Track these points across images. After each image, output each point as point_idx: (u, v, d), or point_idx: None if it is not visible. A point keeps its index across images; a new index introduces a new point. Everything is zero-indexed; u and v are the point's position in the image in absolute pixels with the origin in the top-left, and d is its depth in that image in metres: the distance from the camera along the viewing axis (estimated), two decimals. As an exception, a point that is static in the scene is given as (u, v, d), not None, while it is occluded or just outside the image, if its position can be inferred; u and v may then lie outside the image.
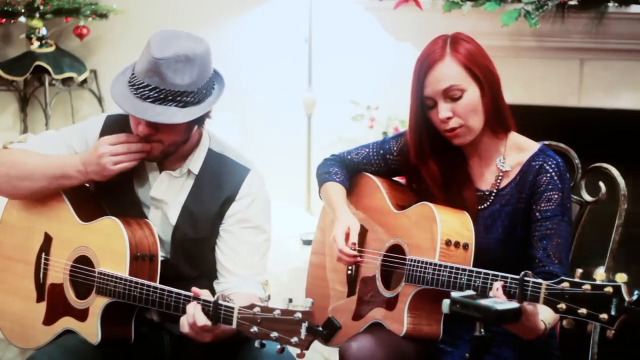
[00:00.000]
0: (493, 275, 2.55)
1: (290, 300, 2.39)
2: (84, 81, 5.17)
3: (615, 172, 2.91)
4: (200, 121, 2.76)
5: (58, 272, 2.84)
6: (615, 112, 4.26)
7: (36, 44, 5.07)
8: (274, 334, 2.39)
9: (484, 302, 2.24)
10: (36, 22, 4.98)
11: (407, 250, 2.77)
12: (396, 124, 4.68)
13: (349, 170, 2.98)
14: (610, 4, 4.00)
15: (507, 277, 2.51)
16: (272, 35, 5.03)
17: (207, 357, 2.83)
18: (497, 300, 2.30)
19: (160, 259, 2.78)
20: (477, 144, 2.78)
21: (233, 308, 2.46)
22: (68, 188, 2.85)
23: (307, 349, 2.38)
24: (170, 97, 2.65)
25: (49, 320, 2.83)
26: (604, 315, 2.24)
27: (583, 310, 2.27)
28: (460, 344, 2.74)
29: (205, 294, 2.58)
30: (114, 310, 2.73)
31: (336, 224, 2.82)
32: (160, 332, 2.88)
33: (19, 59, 5.13)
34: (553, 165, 2.71)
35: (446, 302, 2.27)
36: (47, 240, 2.89)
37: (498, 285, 2.50)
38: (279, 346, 2.42)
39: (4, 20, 4.99)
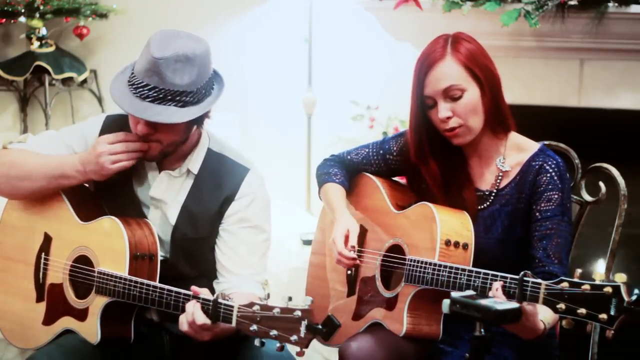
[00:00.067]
0: (492, 275, 2.55)
1: (290, 299, 2.39)
2: (84, 81, 5.17)
3: (615, 172, 2.91)
4: (199, 121, 2.76)
5: (58, 272, 2.84)
6: (615, 112, 4.27)
7: (36, 44, 5.07)
8: (274, 332, 2.38)
9: (484, 302, 2.24)
10: (36, 22, 4.98)
11: (406, 250, 2.77)
12: (396, 124, 4.68)
13: (348, 171, 2.98)
14: (610, 4, 4.00)
15: (506, 277, 2.51)
16: (272, 35, 5.03)
17: (206, 356, 2.83)
18: (497, 300, 2.30)
19: (160, 258, 2.78)
20: (477, 144, 2.78)
21: (232, 306, 2.46)
22: (67, 188, 2.85)
23: (306, 347, 2.38)
24: (169, 97, 2.65)
25: (49, 320, 2.83)
26: (603, 316, 2.24)
27: (582, 311, 2.27)
28: (460, 344, 2.74)
29: (204, 293, 2.58)
30: (113, 310, 2.73)
31: (335, 225, 2.82)
32: (160, 331, 2.88)
33: (19, 59, 5.13)
34: (553, 165, 2.71)
35: (446, 302, 2.27)
36: (47, 240, 2.89)
37: (497, 285, 2.50)
38: (278, 344, 2.41)
39: (4, 20, 4.98)
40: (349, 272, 2.93)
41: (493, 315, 2.22)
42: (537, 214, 2.70)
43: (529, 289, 2.41)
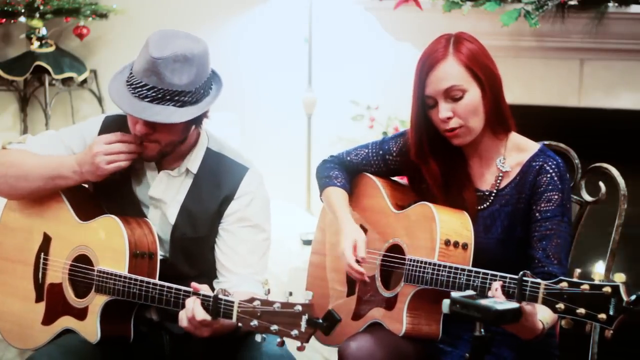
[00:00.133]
0: (492, 275, 2.55)
1: (291, 294, 2.39)
2: (84, 81, 5.17)
3: (615, 172, 2.91)
4: (197, 121, 2.76)
5: (57, 272, 2.84)
6: (615, 112, 4.27)
7: (36, 44, 5.07)
8: (274, 327, 2.39)
9: (484, 302, 2.24)
10: (36, 22, 4.98)
11: (406, 250, 2.77)
12: (396, 124, 4.68)
13: (348, 172, 2.98)
14: (610, 4, 4.00)
15: (505, 277, 2.51)
16: (272, 35, 5.03)
17: (206, 356, 2.83)
18: (497, 300, 2.30)
19: (160, 258, 2.78)
20: (478, 144, 2.78)
21: (233, 302, 2.46)
22: (65, 188, 2.85)
23: (307, 341, 2.38)
24: (168, 97, 2.65)
25: (48, 320, 2.83)
26: (603, 315, 2.24)
27: (581, 310, 2.27)
28: (459, 344, 2.74)
29: (204, 289, 2.58)
30: (113, 309, 2.73)
31: (341, 236, 2.82)
32: (159, 331, 2.88)
33: (19, 59, 5.13)
34: (553, 166, 2.71)
35: (446, 302, 2.27)
36: (46, 240, 2.89)
37: (497, 285, 2.50)
38: (279, 339, 2.41)
39: (4, 20, 4.99)
40: (349, 272, 2.93)
41: (493, 315, 2.22)
42: (537, 214, 2.70)
43: (528, 288, 2.41)
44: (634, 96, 4.23)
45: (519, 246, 2.73)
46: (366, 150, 2.97)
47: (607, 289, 2.24)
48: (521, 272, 2.43)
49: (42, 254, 2.88)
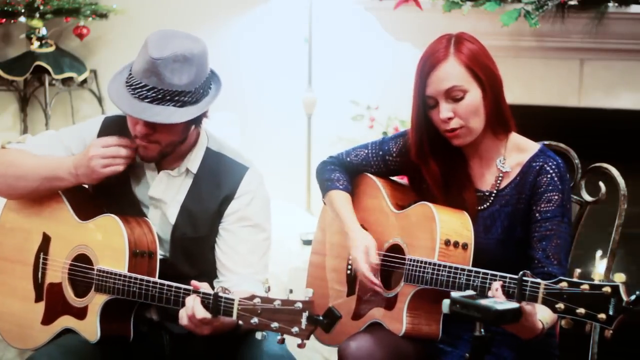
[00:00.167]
0: (492, 275, 2.55)
1: (291, 291, 2.40)
2: (84, 81, 5.17)
3: (615, 172, 2.91)
4: (197, 121, 2.76)
5: (56, 272, 2.84)
6: (615, 112, 4.27)
7: (36, 44, 5.07)
8: (275, 325, 2.39)
9: (484, 302, 2.24)
10: (36, 22, 4.98)
11: (406, 250, 2.77)
12: (396, 124, 4.68)
13: (349, 173, 2.98)
14: (610, 4, 4.00)
15: (505, 277, 2.51)
16: (272, 35, 5.03)
17: (207, 356, 2.83)
18: (497, 300, 2.29)
19: (160, 257, 2.79)
20: (478, 144, 2.78)
21: (233, 300, 2.47)
22: (61, 189, 2.85)
23: (307, 338, 2.38)
24: (168, 97, 2.65)
25: (48, 319, 2.83)
26: (602, 315, 2.24)
27: (581, 310, 2.27)
28: (459, 344, 2.74)
29: (204, 287, 2.58)
30: (113, 308, 2.73)
31: (351, 243, 2.82)
32: (160, 331, 2.88)
33: (19, 59, 5.12)
34: (553, 166, 2.71)
35: (446, 302, 2.27)
36: (46, 240, 2.88)
37: (497, 285, 2.50)
38: (279, 337, 2.41)
39: (4, 20, 4.98)
40: (349, 271, 2.93)
41: (493, 315, 2.22)
42: (537, 214, 2.70)
43: (528, 288, 2.41)
44: (634, 96, 4.23)
45: (519, 246, 2.73)
46: (366, 151, 2.96)
47: (607, 289, 2.24)
48: (521, 272, 2.43)
49: (42, 253, 2.88)
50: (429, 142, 2.78)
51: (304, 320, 2.36)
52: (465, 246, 2.69)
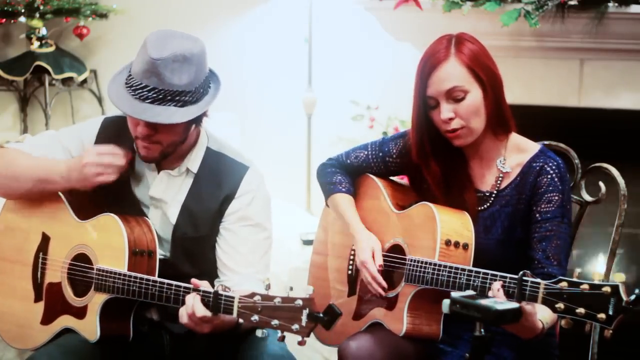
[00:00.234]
0: (492, 275, 2.55)
1: (291, 289, 2.40)
2: (84, 81, 5.17)
3: (615, 172, 2.91)
4: (197, 120, 2.76)
5: (56, 271, 2.84)
6: (615, 112, 4.27)
7: (36, 44, 5.07)
8: (275, 322, 2.39)
9: (484, 302, 2.24)
10: (36, 22, 4.98)
11: (407, 250, 2.77)
12: (396, 124, 4.68)
13: (349, 174, 2.98)
14: (610, 4, 4.00)
15: (505, 277, 2.51)
16: (272, 35, 5.03)
17: (207, 356, 2.83)
18: (497, 300, 2.29)
19: (160, 257, 2.79)
20: (478, 145, 2.78)
21: (233, 297, 2.47)
22: (54, 192, 2.84)
23: (308, 335, 2.38)
24: (169, 97, 2.65)
25: (47, 319, 2.83)
26: (602, 315, 2.24)
27: (581, 310, 2.27)
28: (460, 344, 2.74)
29: (204, 285, 2.58)
30: (112, 307, 2.73)
31: (357, 244, 2.82)
32: (160, 331, 2.88)
33: (19, 59, 5.12)
34: (554, 167, 2.71)
35: (446, 302, 2.27)
36: (45, 240, 2.88)
37: (498, 285, 2.50)
38: (279, 334, 2.41)
39: (4, 20, 4.98)
40: (350, 271, 2.93)
41: (493, 315, 2.22)
42: (537, 215, 2.70)
43: (528, 288, 2.41)
44: (634, 96, 4.23)
45: (519, 247, 2.73)
46: (366, 152, 2.96)
47: (607, 289, 2.24)
48: (521, 272, 2.43)
49: (41, 253, 2.88)
50: (430, 142, 2.78)
51: (304, 318, 2.36)
52: (465, 246, 2.69)
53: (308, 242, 4.32)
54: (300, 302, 2.37)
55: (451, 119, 2.70)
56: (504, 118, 2.76)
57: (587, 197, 2.96)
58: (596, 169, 2.95)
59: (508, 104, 2.78)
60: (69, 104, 5.30)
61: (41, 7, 4.92)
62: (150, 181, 2.85)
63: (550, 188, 2.70)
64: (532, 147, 2.78)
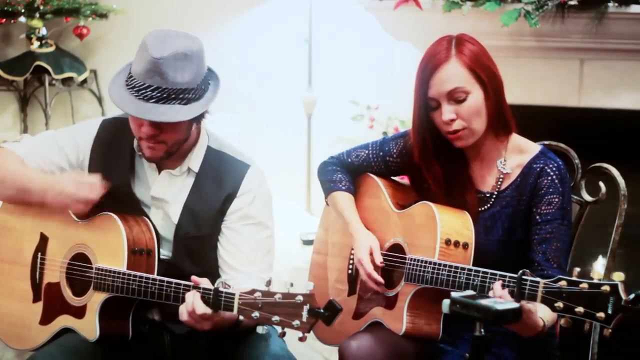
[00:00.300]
0: (492, 274, 2.55)
1: (292, 285, 2.40)
2: (84, 81, 5.17)
3: (615, 172, 2.91)
4: (199, 118, 2.77)
5: (55, 271, 2.84)
6: (615, 112, 4.27)
7: (36, 44, 5.07)
8: (276, 318, 2.39)
9: (484, 302, 2.24)
10: (36, 22, 4.98)
11: (407, 249, 2.77)
12: (396, 124, 4.68)
13: (350, 173, 2.98)
14: (610, 4, 4.00)
15: (505, 276, 2.51)
16: (272, 35, 5.03)
17: (207, 356, 2.83)
18: (498, 300, 2.29)
19: (163, 257, 2.79)
20: (479, 146, 2.77)
21: (234, 294, 2.46)
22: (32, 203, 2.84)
23: (308, 331, 2.38)
24: (173, 96, 2.65)
25: (46, 319, 2.83)
26: (601, 314, 2.24)
27: (580, 309, 2.27)
28: (460, 344, 2.74)
29: (204, 283, 2.58)
30: (112, 306, 2.73)
31: (355, 243, 2.82)
32: (161, 331, 2.87)
33: (19, 59, 5.13)
34: (554, 169, 2.71)
35: (446, 302, 2.27)
36: (43, 240, 2.88)
37: (499, 286, 2.49)
38: (280, 331, 2.41)
39: (4, 20, 4.99)
40: (350, 271, 2.93)
41: (493, 315, 2.22)
42: (537, 217, 2.70)
43: (527, 287, 2.41)
44: (634, 96, 4.23)
45: (519, 248, 2.73)
46: (366, 152, 2.96)
47: (606, 288, 2.24)
48: (520, 271, 2.43)
49: (39, 253, 2.88)
50: (432, 143, 2.77)
51: (304, 313, 2.36)
52: (465, 246, 2.69)
53: (308, 242, 4.32)
54: (300, 297, 2.37)
55: (453, 120, 2.70)
56: (504, 119, 2.75)
57: (587, 197, 2.96)
58: (596, 169, 2.95)
59: (508, 104, 2.78)
60: (69, 104, 5.30)
61: (41, 7, 4.93)
62: (151, 181, 2.85)
63: (551, 190, 2.69)
64: (533, 148, 2.78)
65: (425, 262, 2.67)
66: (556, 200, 2.69)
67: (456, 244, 2.69)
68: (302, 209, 4.87)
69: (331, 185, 2.95)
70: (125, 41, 5.06)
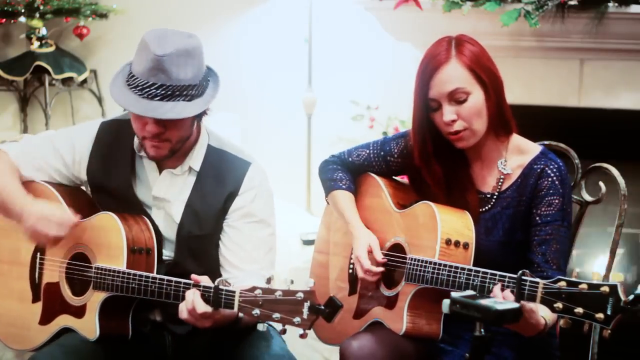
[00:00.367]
0: (491, 274, 2.55)
1: (292, 282, 2.39)
2: (84, 81, 5.17)
3: (615, 172, 2.91)
4: (200, 116, 2.77)
5: (54, 271, 2.84)
6: (615, 112, 4.27)
7: (36, 44, 5.07)
8: (276, 315, 2.39)
9: (484, 302, 2.24)
10: (36, 22, 4.98)
11: (407, 249, 2.77)
12: (396, 124, 4.68)
13: (351, 172, 2.98)
14: (610, 4, 4.00)
15: (505, 276, 2.51)
16: (272, 35, 5.03)
17: (208, 357, 2.83)
18: (498, 300, 2.29)
19: (165, 258, 2.79)
20: (480, 147, 2.77)
21: (234, 292, 2.47)
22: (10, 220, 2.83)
23: (309, 328, 2.38)
24: (177, 93, 2.65)
25: (45, 319, 2.83)
26: (600, 315, 2.24)
27: (579, 310, 2.27)
28: (460, 343, 2.74)
29: (205, 281, 2.58)
30: (111, 305, 2.73)
31: (355, 241, 2.83)
32: (162, 332, 2.87)
33: (19, 59, 5.13)
34: (555, 170, 2.71)
35: (446, 302, 2.27)
36: (43, 240, 2.88)
37: (498, 290, 2.49)
38: (281, 328, 2.41)
39: (4, 20, 4.99)
40: (351, 270, 2.93)
41: (493, 315, 2.22)
42: (537, 218, 2.70)
43: (527, 287, 2.41)
44: (634, 96, 4.23)
45: (519, 249, 2.73)
46: (367, 151, 2.96)
47: (605, 289, 2.24)
48: (520, 271, 2.43)
49: (39, 253, 2.88)
50: (432, 144, 2.77)
51: (305, 310, 2.36)
52: (466, 246, 2.69)
53: (308, 242, 4.32)
54: (301, 294, 2.37)
55: (454, 121, 2.70)
56: (505, 119, 2.75)
57: (587, 197, 2.96)
58: (596, 169, 2.95)
59: (508, 105, 2.78)
60: (69, 104, 5.30)
61: (41, 7, 4.93)
62: (152, 181, 2.85)
63: (551, 191, 2.69)
64: (533, 149, 2.78)
65: (426, 262, 2.67)
66: (556, 201, 2.69)
67: (457, 244, 2.69)
68: (302, 209, 4.87)
69: (332, 184, 2.95)
70: (125, 41, 5.04)
